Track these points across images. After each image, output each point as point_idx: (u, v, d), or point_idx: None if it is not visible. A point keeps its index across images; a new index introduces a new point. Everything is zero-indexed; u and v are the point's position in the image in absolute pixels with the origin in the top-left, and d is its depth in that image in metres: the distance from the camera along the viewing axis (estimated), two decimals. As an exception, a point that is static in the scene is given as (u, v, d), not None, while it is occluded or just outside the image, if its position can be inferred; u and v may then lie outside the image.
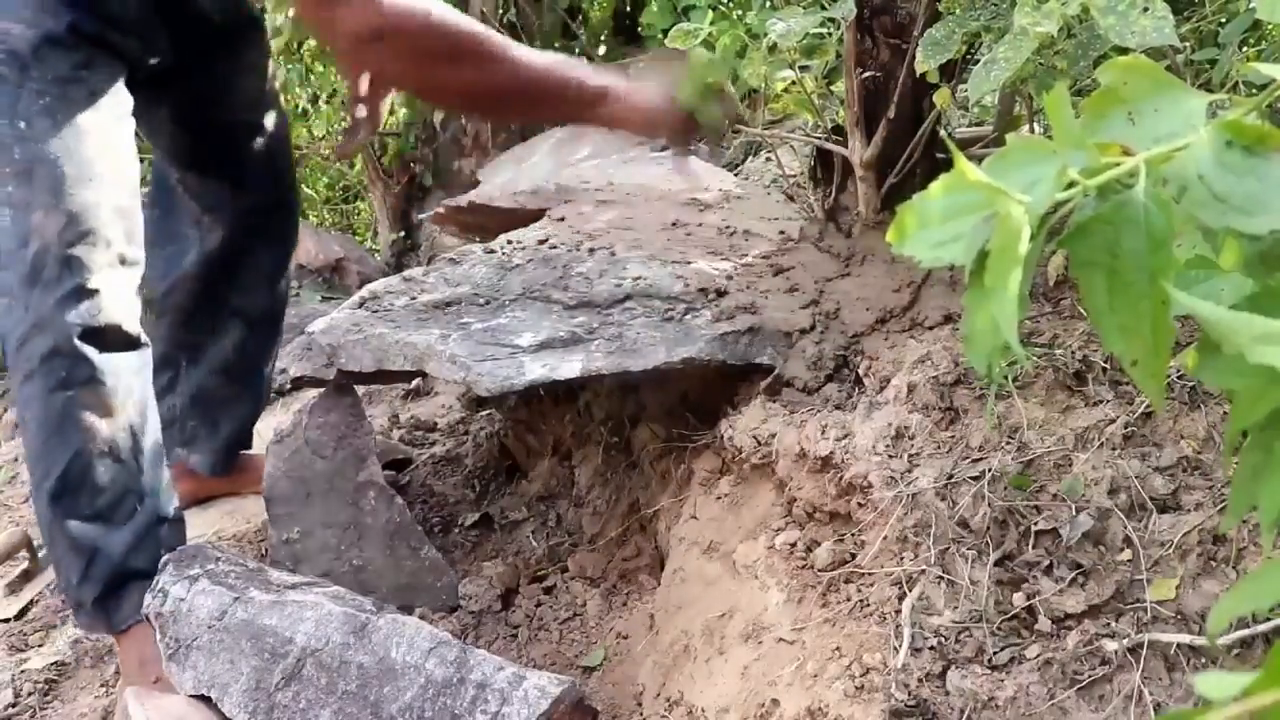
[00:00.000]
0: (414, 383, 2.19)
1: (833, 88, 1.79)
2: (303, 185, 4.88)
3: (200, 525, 1.78)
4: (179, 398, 1.78)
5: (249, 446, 1.89)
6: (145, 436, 1.39)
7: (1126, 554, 0.93)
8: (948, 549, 0.97)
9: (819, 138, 1.60)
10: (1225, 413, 1.01)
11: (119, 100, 1.40)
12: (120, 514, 1.36)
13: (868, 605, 0.99)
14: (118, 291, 1.36)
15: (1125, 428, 1.02)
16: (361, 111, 1.41)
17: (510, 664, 1.01)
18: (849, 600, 1.02)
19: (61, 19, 1.31)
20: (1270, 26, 1.26)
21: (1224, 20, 1.28)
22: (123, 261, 1.37)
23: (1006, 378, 1.09)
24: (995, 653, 0.88)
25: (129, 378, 1.39)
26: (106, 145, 1.37)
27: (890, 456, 1.08)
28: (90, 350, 1.33)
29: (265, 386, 1.85)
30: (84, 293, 1.32)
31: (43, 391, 1.32)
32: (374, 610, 1.10)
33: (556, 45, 4.63)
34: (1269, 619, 0.83)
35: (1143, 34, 0.83)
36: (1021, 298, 0.38)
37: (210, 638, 1.10)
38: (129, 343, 1.39)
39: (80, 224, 1.31)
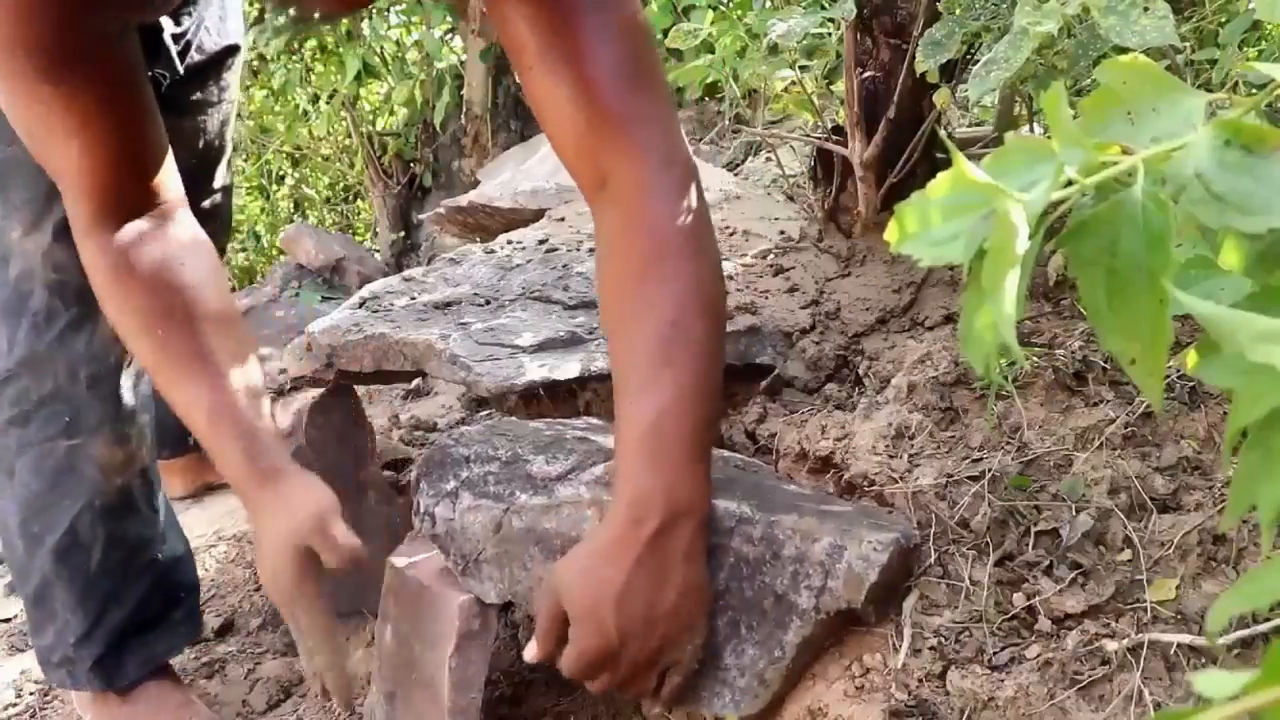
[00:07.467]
0: (414, 383, 2.19)
1: (833, 88, 1.79)
2: (303, 185, 4.89)
3: (201, 524, 1.79)
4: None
5: None
6: (154, 472, 1.22)
7: (1126, 554, 0.93)
8: (948, 549, 0.97)
9: (819, 138, 1.60)
10: (1225, 413, 1.01)
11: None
12: (138, 565, 1.18)
13: (867, 605, 0.99)
14: None
15: (1125, 428, 1.02)
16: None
17: (822, 528, 0.93)
18: (849, 600, 1.02)
19: None
20: (1270, 26, 1.26)
21: (1224, 20, 1.28)
22: None
23: (1006, 378, 1.09)
24: (995, 653, 0.88)
25: (141, 414, 1.19)
26: None
27: (890, 456, 1.08)
28: (100, 393, 1.12)
29: None
30: (86, 324, 1.10)
31: (36, 439, 1.11)
32: None
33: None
34: (1269, 619, 0.83)
35: (1143, 34, 0.83)
36: (1019, 297, 0.38)
37: (495, 550, 1.05)
38: (139, 370, 1.17)
39: (70, 242, 1.05)
